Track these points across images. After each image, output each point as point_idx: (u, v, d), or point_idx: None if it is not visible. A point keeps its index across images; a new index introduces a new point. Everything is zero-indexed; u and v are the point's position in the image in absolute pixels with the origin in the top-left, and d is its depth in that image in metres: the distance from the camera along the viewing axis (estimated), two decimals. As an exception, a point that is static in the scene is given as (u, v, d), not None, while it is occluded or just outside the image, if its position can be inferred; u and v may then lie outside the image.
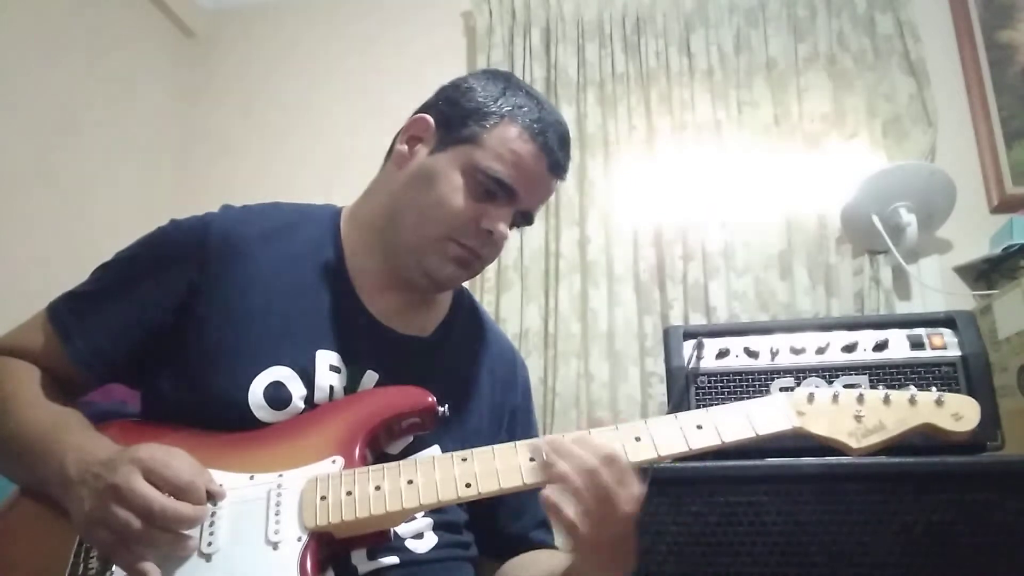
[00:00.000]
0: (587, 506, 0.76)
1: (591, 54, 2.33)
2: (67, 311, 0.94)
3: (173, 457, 0.77)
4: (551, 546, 1.07)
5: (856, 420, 0.81)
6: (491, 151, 0.93)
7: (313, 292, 0.96)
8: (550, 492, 0.77)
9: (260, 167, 2.55)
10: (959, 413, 0.80)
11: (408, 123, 1.01)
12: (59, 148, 2.14)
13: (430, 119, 0.99)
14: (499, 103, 0.95)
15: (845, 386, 1.26)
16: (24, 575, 0.81)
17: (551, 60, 2.35)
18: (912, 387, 0.83)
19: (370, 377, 0.95)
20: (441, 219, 0.93)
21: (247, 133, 2.61)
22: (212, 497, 0.79)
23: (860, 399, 0.82)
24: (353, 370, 0.95)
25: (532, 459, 0.81)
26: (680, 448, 0.81)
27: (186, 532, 0.76)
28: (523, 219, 1.00)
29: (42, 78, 2.10)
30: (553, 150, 0.96)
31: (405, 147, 0.99)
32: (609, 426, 0.83)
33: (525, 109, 0.95)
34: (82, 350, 0.92)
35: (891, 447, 0.81)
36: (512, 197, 0.95)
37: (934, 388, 0.83)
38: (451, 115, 0.97)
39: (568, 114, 2.26)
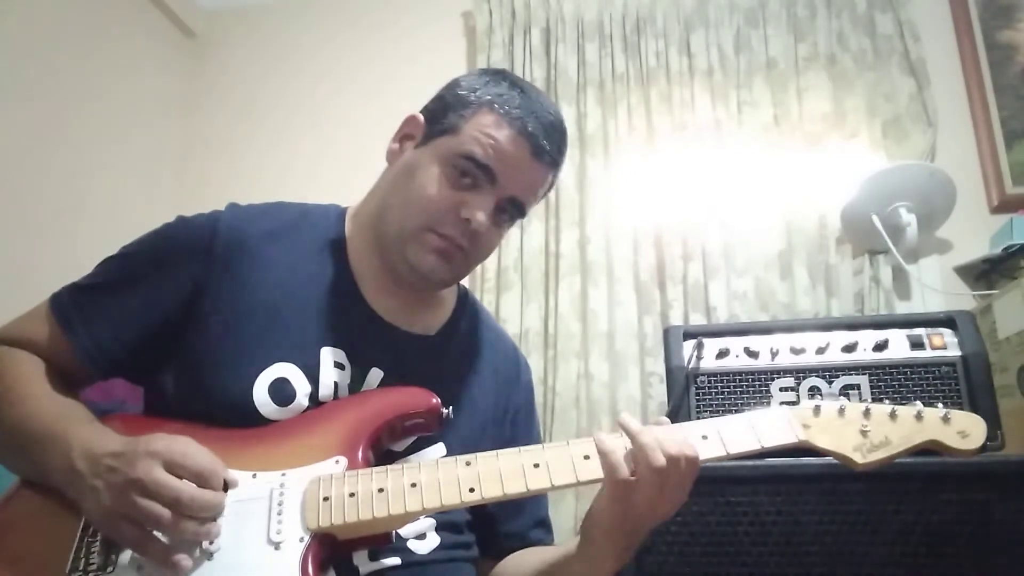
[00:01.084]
0: (658, 486, 0.77)
1: (591, 54, 2.33)
2: (70, 303, 0.94)
3: (188, 446, 0.78)
4: (548, 545, 1.07)
5: (862, 435, 0.80)
6: (469, 135, 0.93)
7: (318, 290, 0.97)
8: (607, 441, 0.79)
9: (260, 167, 2.55)
10: (965, 431, 0.80)
11: (402, 123, 1.02)
12: (58, 148, 2.14)
13: (420, 117, 1.00)
14: (478, 93, 0.95)
15: (845, 386, 1.28)
16: (25, 567, 0.81)
17: (551, 60, 2.35)
18: (918, 403, 0.82)
19: (375, 375, 0.96)
20: (419, 209, 0.93)
21: (247, 133, 2.61)
22: (227, 485, 0.80)
23: (866, 413, 0.82)
24: (358, 368, 0.95)
25: (536, 464, 0.81)
26: None
27: (211, 519, 0.77)
28: (513, 208, 0.97)
29: (41, 78, 2.10)
30: (534, 135, 0.93)
31: (397, 145, 1.01)
32: (614, 434, 0.83)
33: (504, 97, 0.94)
34: (85, 343, 0.92)
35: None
36: (491, 180, 0.93)
37: (940, 405, 0.82)
38: (435, 110, 0.98)
39: (568, 114, 2.26)
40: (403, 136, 1.01)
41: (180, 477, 0.75)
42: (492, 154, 0.92)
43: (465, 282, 1.11)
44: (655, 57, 2.30)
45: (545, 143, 0.94)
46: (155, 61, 2.59)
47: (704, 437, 0.82)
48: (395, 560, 0.88)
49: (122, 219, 2.28)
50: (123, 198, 2.36)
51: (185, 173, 2.61)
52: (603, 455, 0.79)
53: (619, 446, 0.80)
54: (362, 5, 2.66)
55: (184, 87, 2.69)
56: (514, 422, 1.08)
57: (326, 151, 2.50)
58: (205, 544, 0.77)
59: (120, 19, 2.43)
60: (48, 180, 2.10)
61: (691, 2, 2.32)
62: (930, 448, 0.80)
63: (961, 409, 0.90)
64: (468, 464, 0.82)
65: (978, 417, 0.81)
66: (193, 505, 0.75)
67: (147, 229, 0.99)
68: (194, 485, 0.76)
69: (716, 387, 1.33)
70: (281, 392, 0.90)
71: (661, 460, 0.77)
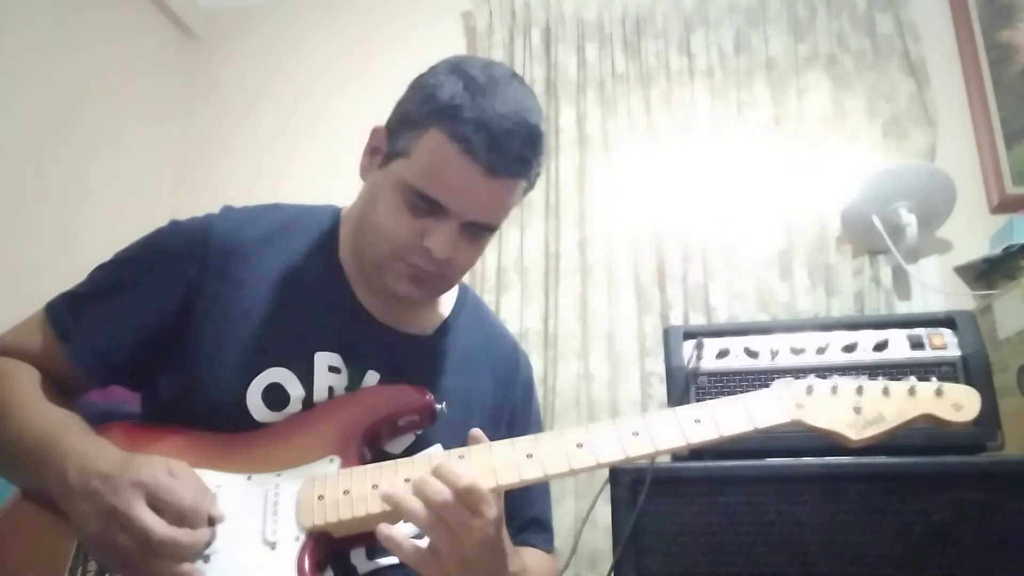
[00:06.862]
0: (443, 537, 0.75)
1: (591, 54, 2.33)
2: (65, 311, 0.94)
3: (176, 479, 0.77)
4: (536, 545, 1.06)
5: (855, 412, 0.80)
6: (418, 164, 0.87)
7: (312, 293, 0.96)
8: (383, 528, 0.77)
9: (260, 168, 2.55)
10: (959, 403, 0.79)
11: (370, 134, 0.97)
12: (58, 148, 2.14)
13: (383, 130, 0.95)
14: (428, 107, 0.87)
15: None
16: None
17: (551, 60, 2.35)
18: (912, 378, 0.82)
19: (371, 377, 0.95)
20: (384, 239, 0.90)
21: (247, 133, 2.61)
22: (212, 520, 0.78)
23: (859, 391, 0.82)
24: (354, 370, 0.95)
25: (529, 455, 0.81)
26: (678, 443, 0.80)
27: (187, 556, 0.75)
28: (479, 227, 0.92)
29: (41, 78, 2.10)
30: (486, 153, 0.84)
31: (367, 160, 0.97)
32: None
33: (454, 110, 0.85)
34: (81, 351, 0.91)
35: (891, 445, 0.80)
36: (443, 210, 0.87)
37: (933, 378, 0.82)
38: (394, 125, 0.92)
39: (568, 114, 2.26)
40: (372, 149, 0.96)
41: (161, 512, 0.74)
42: (441, 185, 0.86)
43: (466, 279, 1.10)
44: (655, 57, 2.30)
45: (499, 158, 0.85)
46: (155, 61, 2.60)
47: (697, 421, 0.81)
48: (393, 559, 0.88)
49: (122, 220, 2.28)
50: (123, 198, 2.36)
51: (185, 173, 2.61)
52: (386, 541, 0.76)
53: (401, 524, 0.78)
54: (362, 5, 2.66)
55: (184, 87, 2.69)
56: (511, 421, 1.08)
57: (326, 151, 2.50)
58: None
59: (120, 19, 2.43)
60: (48, 180, 2.10)
61: (691, 2, 2.32)
62: (925, 422, 0.80)
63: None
64: (461, 458, 0.82)
65: (972, 389, 0.80)
66: (162, 546, 0.73)
67: (147, 230, 0.98)
68: (165, 525, 0.73)
69: (716, 387, 1.33)
70: (274, 397, 0.90)
71: (423, 512, 0.75)
